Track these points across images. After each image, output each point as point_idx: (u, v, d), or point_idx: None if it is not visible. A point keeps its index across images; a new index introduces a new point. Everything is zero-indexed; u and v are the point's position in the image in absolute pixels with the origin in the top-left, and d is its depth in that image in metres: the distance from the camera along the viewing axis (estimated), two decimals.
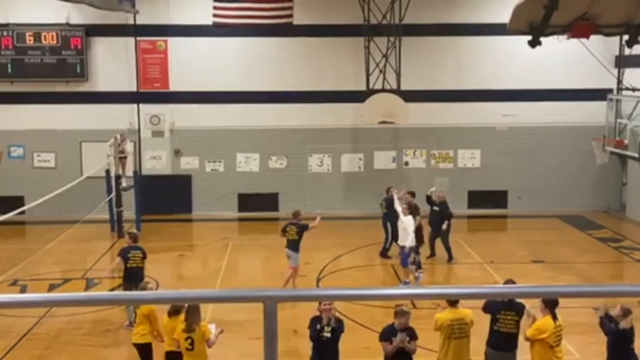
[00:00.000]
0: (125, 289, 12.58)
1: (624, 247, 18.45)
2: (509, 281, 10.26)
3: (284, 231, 14.54)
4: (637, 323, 9.57)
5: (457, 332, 9.32)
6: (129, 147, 20.20)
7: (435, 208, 16.88)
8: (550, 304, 9.17)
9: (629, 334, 9.29)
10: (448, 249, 16.71)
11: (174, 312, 9.76)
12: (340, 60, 21.55)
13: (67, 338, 12.65)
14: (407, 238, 14.64)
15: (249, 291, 2.99)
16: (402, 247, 14.78)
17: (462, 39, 21.76)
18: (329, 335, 9.34)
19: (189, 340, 9.38)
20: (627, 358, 9.33)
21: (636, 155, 18.24)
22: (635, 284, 13.72)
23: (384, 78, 20.54)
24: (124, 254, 12.77)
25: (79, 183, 18.84)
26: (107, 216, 19.83)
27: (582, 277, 15.94)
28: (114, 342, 12.20)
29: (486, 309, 9.61)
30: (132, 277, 12.34)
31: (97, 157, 20.33)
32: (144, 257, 12.76)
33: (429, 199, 17.14)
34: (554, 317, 9.20)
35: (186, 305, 9.08)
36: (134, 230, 13.65)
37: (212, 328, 9.71)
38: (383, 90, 20.39)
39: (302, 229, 14.25)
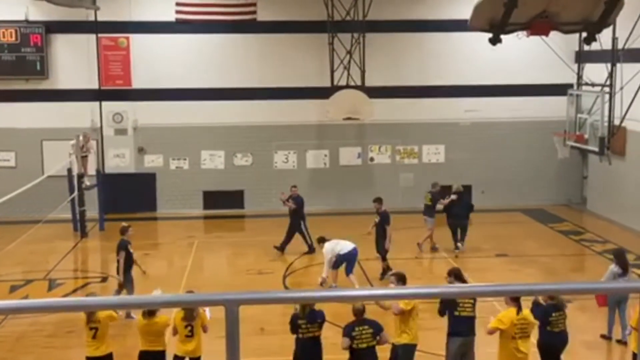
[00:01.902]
0: None
1: (585, 240, 18.79)
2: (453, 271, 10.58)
3: (425, 198, 17.29)
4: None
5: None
6: (92, 145, 20.03)
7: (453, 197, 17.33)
8: (512, 297, 9.36)
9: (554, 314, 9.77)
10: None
11: (148, 314, 9.77)
12: (305, 56, 21.55)
13: (31, 340, 12.48)
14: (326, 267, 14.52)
15: (210, 295, 2.99)
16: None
17: (425, 35, 21.91)
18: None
19: (189, 328, 9.82)
20: (553, 338, 9.79)
21: (596, 149, 18.56)
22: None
23: (349, 74, 20.58)
24: None
25: (40, 182, 18.54)
26: (69, 216, 19.55)
27: (544, 270, 16.19)
28: (77, 344, 11.99)
29: (444, 308, 9.92)
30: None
31: (58, 156, 20.02)
32: (117, 251, 13.35)
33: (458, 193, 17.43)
34: (519, 309, 9.38)
35: None
36: (124, 224, 13.87)
37: (207, 312, 10.14)
38: (347, 86, 20.44)
39: (436, 197, 17.22)
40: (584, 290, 3.44)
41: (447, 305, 9.88)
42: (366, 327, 9.43)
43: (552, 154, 21.37)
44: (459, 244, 17.06)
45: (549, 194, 22.44)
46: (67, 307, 3.17)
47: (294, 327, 9.75)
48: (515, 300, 9.41)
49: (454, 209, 17.15)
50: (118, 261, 13.24)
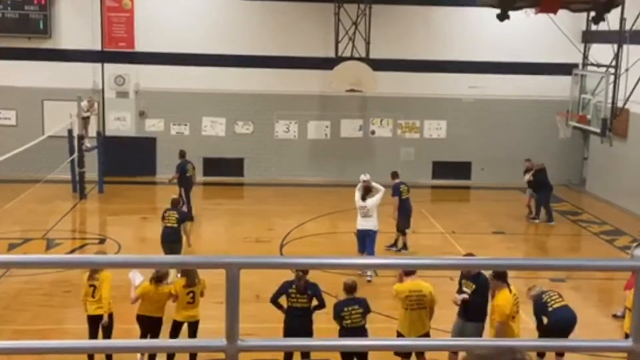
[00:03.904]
0: (163, 250, 12.95)
1: (582, 221, 18.85)
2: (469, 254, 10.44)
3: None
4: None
5: (414, 304, 9.46)
6: (95, 108, 20.04)
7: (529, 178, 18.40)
8: (501, 277, 9.20)
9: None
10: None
11: (157, 280, 9.79)
12: (310, 26, 21.38)
13: (27, 298, 12.56)
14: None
15: (211, 257, 3.00)
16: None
17: (432, 9, 21.73)
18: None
19: (191, 294, 9.93)
20: (560, 313, 9.71)
21: (598, 130, 18.54)
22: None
23: (353, 46, 20.46)
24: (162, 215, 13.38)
25: (41, 142, 18.51)
26: (69, 176, 19.57)
27: (540, 249, 16.30)
28: (74, 303, 12.08)
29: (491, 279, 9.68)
30: (165, 238, 13.02)
31: (59, 116, 19.97)
32: (180, 220, 13.12)
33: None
34: (509, 288, 9.33)
35: None
36: (175, 196, 14.14)
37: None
38: (352, 58, 20.33)
39: (528, 170, 18.38)
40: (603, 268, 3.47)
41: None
42: (356, 306, 9.30)
43: (553, 133, 21.34)
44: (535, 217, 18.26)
45: (548, 173, 22.36)
46: (73, 263, 3.19)
47: (285, 294, 9.81)
48: (503, 279, 9.23)
49: (536, 183, 18.23)
50: (183, 228, 13.32)
